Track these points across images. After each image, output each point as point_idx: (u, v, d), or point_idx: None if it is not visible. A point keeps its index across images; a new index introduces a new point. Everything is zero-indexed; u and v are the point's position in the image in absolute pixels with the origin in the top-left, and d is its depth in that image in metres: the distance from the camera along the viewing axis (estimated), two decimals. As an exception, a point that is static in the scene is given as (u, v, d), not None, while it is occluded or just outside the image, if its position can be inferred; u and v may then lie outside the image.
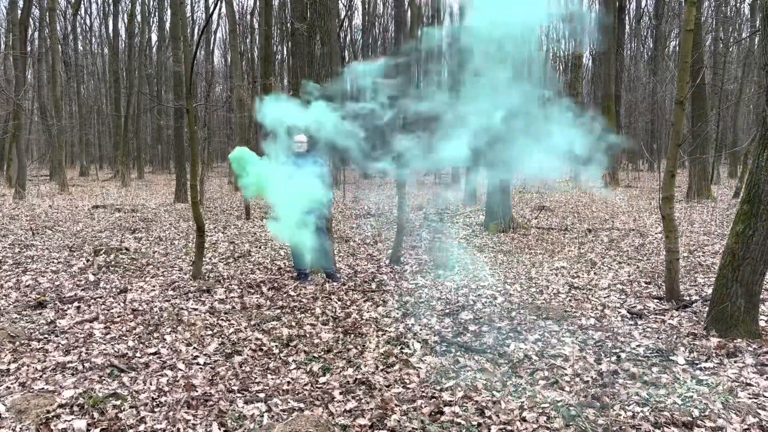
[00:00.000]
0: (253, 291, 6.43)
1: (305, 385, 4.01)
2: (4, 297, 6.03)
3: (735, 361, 4.23)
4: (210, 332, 5.02)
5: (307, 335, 5.00)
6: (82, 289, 6.38)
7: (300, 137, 6.63)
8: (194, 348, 4.63)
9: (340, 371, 4.24)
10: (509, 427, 3.37)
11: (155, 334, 4.93)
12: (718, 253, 7.99)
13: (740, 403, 3.55)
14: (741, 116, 27.34)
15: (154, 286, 6.52)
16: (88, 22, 40.01)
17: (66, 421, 3.38)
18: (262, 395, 3.81)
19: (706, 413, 3.43)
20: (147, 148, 39.94)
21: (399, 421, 3.45)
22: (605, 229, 11.00)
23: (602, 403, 3.61)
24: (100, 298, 6.04)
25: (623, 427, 3.31)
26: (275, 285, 6.68)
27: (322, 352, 4.61)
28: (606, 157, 5.68)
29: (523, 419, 3.45)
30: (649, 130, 34.58)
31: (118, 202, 16.42)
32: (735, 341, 4.55)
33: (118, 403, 3.60)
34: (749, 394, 3.69)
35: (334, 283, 6.76)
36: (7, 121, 21.25)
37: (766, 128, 4.65)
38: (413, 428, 3.37)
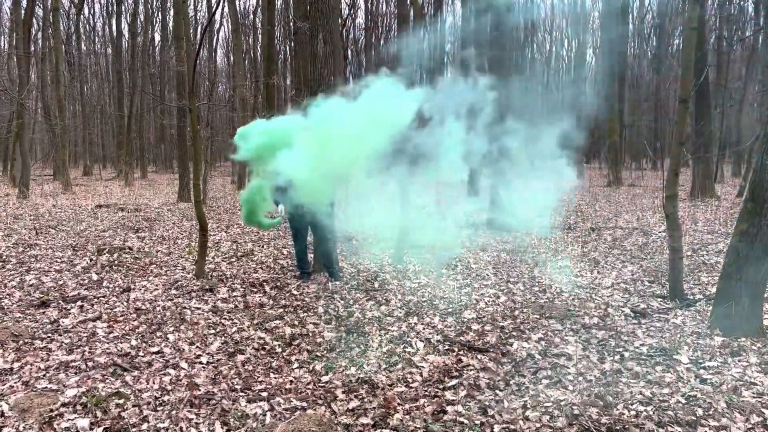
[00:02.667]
0: (255, 290, 6.44)
1: (308, 384, 4.00)
2: (7, 296, 6.05)
3: (739, 360, 4.21)
4: (213, 331, 5.03)
5: (310, 334, 5.00)
6: (86, 289, 6.39)
7: None
8: (197, 347, 4.64)
9: (343, 370, 4.23)
10: (512, 426, 3.36)
11: (158, 333, 4.94)
12: (722, 251, 7.96)
13: (744, 402, 3.53)
14: (745, 114, 27.25)
15: (157, 286, 6.53)
16: (91, 22, 40.07)
17: (69, 419, 3.38)
18: (264, 394, 3.81)
19: (710, 412, 3.42)
20: (150, 147, 39.99)
21: (402, 420, 3.45)
22: (608, 228, 10.98)
23: (605, 402, 3.59)
24: (103, 297, 6.04)
25: (627, 426, 3.30)
26: (278, 284, 6.68)
27: (325, 351, 4.61)
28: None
29: (526, 418, 3.44)
30: (653, 128, 34.49)
31: (121, 202, 16.44)
32: (739, 340, 4.54)
33: (121, 401, 3.61)
34: (753, 393, 3.68)
35: (337, 282, 6.75)
36: (10, 120, 21.31)
37: (771, 126, 4.63)
38: (416, 427, 3.37)
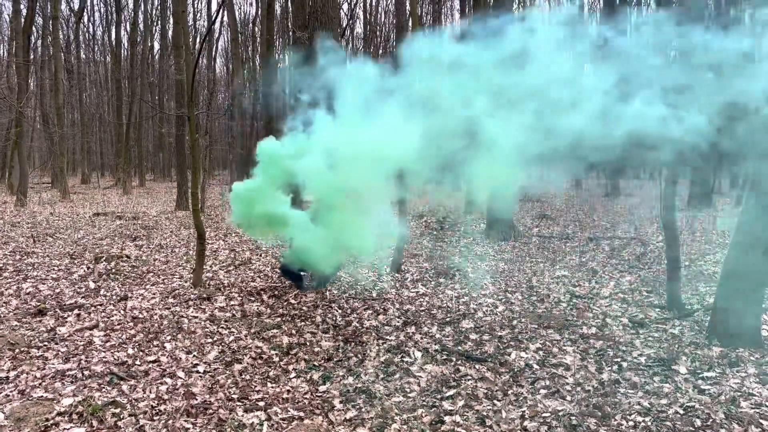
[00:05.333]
0: (253, 299, 6.42)
1: (305, 393, 3.99)
2: (4, 304, 6.02)
3: (737, 371, 4.21)
4: (210, 340, 5.01)
5: (308, 343, 4.98)
6: (83, 297, 6.37)
7: None
8: (194, 356, 4.62)
9: (340, 380, 4.22)
10: (510, 437, 3.35)
11: (155, 342, 4.92)
12: (720, 262, 7.97)
13: (742, 413, 3.53)
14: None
15: (154, 294, 6.51)
16: (90, 30, 40.17)
17: (65, 429, 3.37)
18: (261, 404, 3.79)
19: (709, 423, 3.41)
20: (148, 155, 40.01)
21: (399, 430, 3.43)
22: (606, 238, 10.99)
23: (604, 412, 3.59)
24: (101, 305, 6.03)
25: (625, 436, 3.29)
26: (276, 293, 6.67)
27: (323, 361, 4.59)
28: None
29: (525, 429, 3.43)
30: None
31: (119, 210, 16.42)
32: (737, 351, 4.53)
33: (117, 411, 3.59)
34: (751, 404, 3.67)
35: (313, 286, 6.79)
36: (9, 128, 21.32)
37: None
38: (414, 437, 3.35)
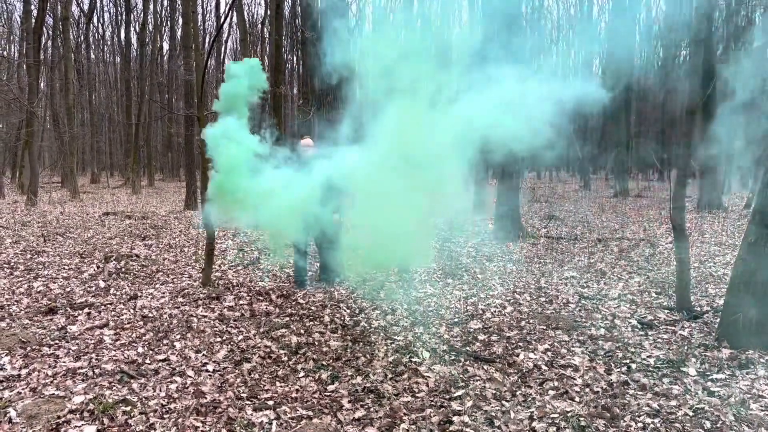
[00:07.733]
0: (262, 298, 6.45)
1: (314, 393, 4.01)
2: (15, 303, 6.08)
3: (747, 373, 4.19)
4: (219, 339, 5.04)
5: (316, 343, 5.00)
6: (93, 296, 6.42)
7: (306, 141, 6.64)
8: (203, 355, 4.65)
9: (349, 379, 4.23)
10: (518, 438, 3.35)
11: (165, 341, 4.95)
12: (730, 263, 7.93)
13: (752, 415, 3.51)
14: (753, 125, 27.13)
15: (163, 293, 6.55)
16: (100, 31, 40.47)
17: (76, 426, 3.40)
18: (270, 403, 3.81)
19: (718, 425, 3.40)
20: (157, 155, 40.23)
21: (408, 430, 3.44)
22: (615, 239, 10.95)
23: (612, 414, 3.58)
24: (111, 304, 6.07)
25: (634, 438, 3.28)
26: (284, 293, 6.69)
27: (331, 360, 4.61)
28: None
29: (533, 429, 3.43)
30: (660, 139, 34.42)
31: (128, 210, 16.52)
32: (747, 352, 4.51)
33: (127, 409, 3.62)
34: (761, 406, 3.66)
35: (324, 285, 6.84)
36: (20, 128, 21.50)
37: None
38: (422, 437, 3.36)
